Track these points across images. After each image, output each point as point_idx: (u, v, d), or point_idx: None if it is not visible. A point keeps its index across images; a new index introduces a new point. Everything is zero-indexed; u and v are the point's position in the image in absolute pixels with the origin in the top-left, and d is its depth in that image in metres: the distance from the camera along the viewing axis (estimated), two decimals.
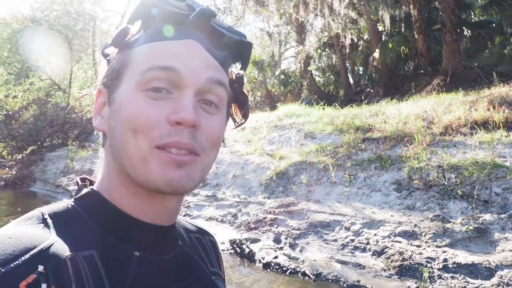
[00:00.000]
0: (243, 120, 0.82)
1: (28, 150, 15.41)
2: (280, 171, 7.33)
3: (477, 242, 4.44)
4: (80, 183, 0.73)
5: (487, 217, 4.63)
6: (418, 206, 5.36)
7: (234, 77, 0.76)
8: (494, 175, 5.12)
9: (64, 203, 0.67)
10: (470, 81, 11.12)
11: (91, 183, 0.74)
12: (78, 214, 0.65)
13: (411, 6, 13.24)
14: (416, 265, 4.34)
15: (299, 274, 4.72)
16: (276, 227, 5.85)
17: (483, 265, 4.06)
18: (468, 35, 18.16)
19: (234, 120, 0.82)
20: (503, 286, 3.76)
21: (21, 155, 15.85)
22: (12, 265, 0.51)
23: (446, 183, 5.36)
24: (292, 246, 5.37)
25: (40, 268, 0.53)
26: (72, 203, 0.67)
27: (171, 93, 0.64)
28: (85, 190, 0.69)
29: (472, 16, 19.41)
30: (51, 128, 16.65)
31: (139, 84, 0.63)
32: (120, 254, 0.64)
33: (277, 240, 5.57)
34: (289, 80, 20.11)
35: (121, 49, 0.68)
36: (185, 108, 0.62)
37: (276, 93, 21.59)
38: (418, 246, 4.65)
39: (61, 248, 0.57)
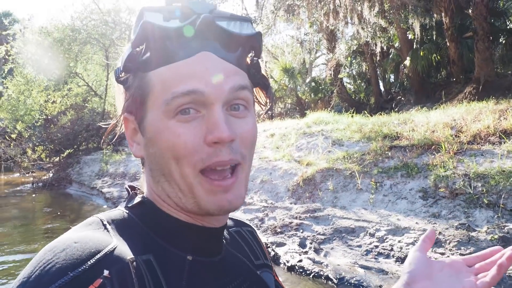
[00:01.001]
0: (269, 102, 0.81)
1: (65, 153, 16.05)
2: (307, 177, 7.45)
3: None
4: (130, 191, 0.75)
5: None
6: (444, 214, 5.38)
7: (249, 62, 0.75)
8: None
9: (119, 210, 0.70)
10: (503, 89, 10.93)
11: (140, 190, 0.76)
12: (133, 221, 0.68)
13: (442, 14, 13.12)
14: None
15: (323, 277, 4.83)
16: (302, 232, 5.97)
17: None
18: (503, 43, 17.78)
19: (260, 104, 0.81)
20: None
21: (58, 158, 16.51)
22: (80, 269, 0.53)
23: (472, 192, 5.36)
24: (317, 251, 5.48)
25: (106, 272, 0.55)
26: (126, 211, 0.70)
27: (200, 112, 0.65)
28: (137, 199, 0.72)
29: (507, 23, 18.98)
30: (87, 132, 17.33)
31: (166, 113, 0.64)
32: (174, 259, 0.66)
33: (302, 245, 5.69)
34: (320, 87, 20.19)
35: (135, 74, 0.68)
36: (218, 126, 0.63)
37: (306, 100, 21.71)
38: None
39: (123, 252, 0.59)
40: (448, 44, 13.78)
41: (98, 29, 19.46)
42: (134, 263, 0.59)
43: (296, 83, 20.46)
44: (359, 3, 12.83)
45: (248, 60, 0.74)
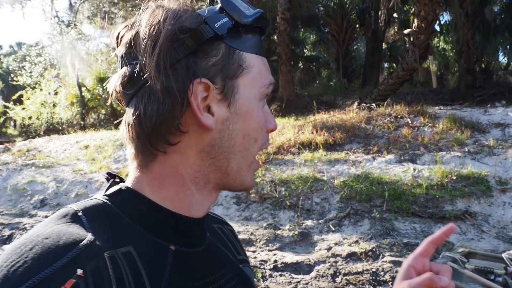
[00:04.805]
0: None
1: None
2: None
3: (301, 244, 5.20)
4: (110, 179, 0.71)
5: (309, 223, 5.47)
6: (255, 217, 6.00)
7: None
8: (314, 187, 6.08)
9: (95, 199, 0.66)
10: (301, 108, 12.58)
11: (121, 179, 0.72)
12: (111, 210, 0.64)
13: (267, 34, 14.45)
14: (251, 268, 4.89)
15: None
16: None
17: (304, 263, 4.78)
18: (301, 67, 20.46)
19: None
20: (319, 278, 4.50)
21: None
22: (50, 269, 0.50)
23: (277, 196, 6.14)
24: None
25: (79, 271, 0.51)
26: (104, 199, 0.66)
27: None
28: (116, 187, 0.68)
29: (305, 51, 21.95)
30: None
31: (262, 95, 0.68)
32: (157, 249, 0.63)
33: None
34: None
35: (228, 45, 0.65)
36: (272, 118, 0.72)
37: (121, 111, 21.12)
38: (254, 251, 5.23)
39: (99, 246, 0.56)
40: None
41: None
42: (112, 258, 0.56)
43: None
44: None
45: None
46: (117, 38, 0.68)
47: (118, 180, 0.71)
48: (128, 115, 0.66)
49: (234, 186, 0.70)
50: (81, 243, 0.54)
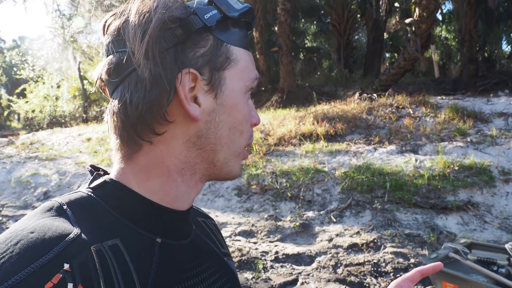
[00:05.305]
0: None
1: None
2: None
3: (302, 236, 5.20)
4: (94, 171, 0.70)
5: (310, 214, 5.46)
6: (256, 208, 6.00)
7: None
8: (315, 179, 6.06)
9: (80, 192, 0.65)
10: (302, 99, 12.56)
11: (105, 172, 0.72)
12: (97, 203, 0.63)
13: (253, 29, 14.39)
14: (252, 259, 4.90)
15: None
16: None
17: (306, 254, 4.79)
18: (302, 58, 20.37)
19: None
20: (320, 269, 4.51)
21: None
22: (36, 264, 0.49)
23: (278, 187, 6.13)
24: None
25: (66, 266, 0.51)
26: (88, 192, 0.65)
27: None
28: (101, 179, 0.67)
29: (306, 42, 21.83)
30: None
31: (247, 88, 0.70)
32: (143, 242, 0.63)
33: None
34: None
35: (217, 37, 0.66)
36: (256, 113, 0.74)
37: None
38: (255, 243, 5.23)
39: (85, 240, 0.56)
40: (258, 56, 15.18)
41: None
42: (98, 252, 0.56)
43: None
44: None
45: None
46: (104, 26, 0.68)
47: (102, 172, 0.71)
48: (113, 104, 0.65)
49: (220, 176, 0.71)
50: (68, 237, 0.54)
